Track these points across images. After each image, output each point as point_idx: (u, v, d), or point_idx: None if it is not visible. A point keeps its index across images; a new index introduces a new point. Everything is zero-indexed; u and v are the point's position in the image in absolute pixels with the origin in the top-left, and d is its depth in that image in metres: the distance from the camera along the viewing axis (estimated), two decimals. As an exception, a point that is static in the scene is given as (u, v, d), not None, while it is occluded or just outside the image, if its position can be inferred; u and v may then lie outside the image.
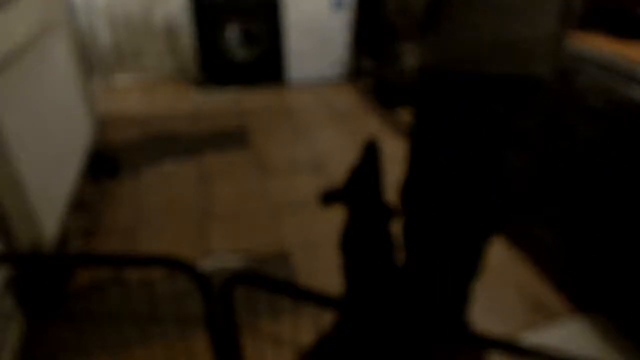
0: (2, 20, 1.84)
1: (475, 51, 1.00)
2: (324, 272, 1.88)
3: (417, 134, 1.22)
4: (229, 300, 0.89)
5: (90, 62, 3.71)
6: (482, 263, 1.43)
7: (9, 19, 1.91)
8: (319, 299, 0.84)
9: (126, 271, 1.84)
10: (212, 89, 3.79)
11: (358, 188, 1.32)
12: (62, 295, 1.71)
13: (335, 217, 2.21)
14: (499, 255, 1.97)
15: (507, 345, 0.71)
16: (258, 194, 2.41)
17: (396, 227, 1.38)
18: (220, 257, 1.98)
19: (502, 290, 1.79)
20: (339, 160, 2.73)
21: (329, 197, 1.39)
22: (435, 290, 1.42)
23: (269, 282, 0.86)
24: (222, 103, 3.57)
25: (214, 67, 3.72)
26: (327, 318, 1.59)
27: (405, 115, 3.10)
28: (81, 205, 2.29)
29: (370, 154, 1.28)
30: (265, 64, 3.74)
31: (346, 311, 1.34)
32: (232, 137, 3.02)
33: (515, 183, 2.09)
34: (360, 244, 1.39)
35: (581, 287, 1.76)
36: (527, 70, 1.03)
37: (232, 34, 3.64)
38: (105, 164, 2.56)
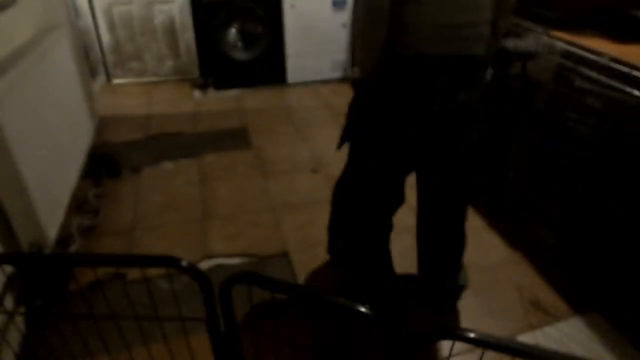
0: (4, 21, 1.84)
1: (430, 36, 1.22)
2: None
3: (379, 105, 1.38)
4: (228, 299, 0.90)
5: (91, 62, 3.72)
6: (461, 233, 1.61)
7: (11, 19, 1.92)
8: (318, 299, 0.84)
9: (126, 271, 1.85)
10: (212, 89, 3.79)
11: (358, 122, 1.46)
12: (62, 295, 1.72)
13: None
14: (499, 255, 1.97)
15: (505, 346, 0.71)
16: (258, 194, 2.42)
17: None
18: (220, 256, 1.98)
19: (501, 290, 1.79)
20: (338, 160, 2.73)
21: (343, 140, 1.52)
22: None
23: (269, 282, 0.86)
24: (223, 103, 3.58)
25: (214, 67, 3.72)
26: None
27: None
28: (82, 205, 2.29)
29: (367, 95, 1.40)
30: (265, 64, 3.74)
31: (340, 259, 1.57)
32: (232, 137, 3.03)
33: (515, 183, 2.10)
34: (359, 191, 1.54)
35: (580, 288, 1.76)
36: (469, 51, 1.26)
37: (232, 34, 3.65)
38: (106, 164, 2.56)
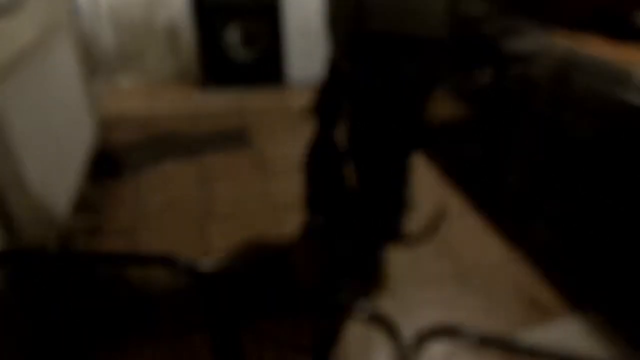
0: (8, 24, 1.85)
1: (382, 15, 1.38)
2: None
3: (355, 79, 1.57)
4: (229, 300, 0.90)
5: (93, 63, 3.72)
6: (409, 174, 1.76)
7: (15, 22, 1.93)
8: (318, 299, 0.85)
9: (127, 270, 1.85)
10: (213, 90, 3.80)
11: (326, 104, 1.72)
12: (63, 293, 1.72)
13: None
14: (498, 255, 1.98)
15: (504, 344, 0.72)
16: (258, 194, 2.42)
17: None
18: (220, 257, 1.98)
19: (500, 289, 1.80)
20: (339, 160, 2.73)
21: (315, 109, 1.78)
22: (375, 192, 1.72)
23: (268, 282, 0.87)
24: (223, 103, 3.58)
25: (214, 67, 3.73)
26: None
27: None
28: (83, 204, 2.30)
29: (335, 71, 1.64)
30: (265, 64, 3.75)
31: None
32: (232, 137, 3.03)
33: (515, 183, 2.10)
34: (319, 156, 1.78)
35: (580, 287, 1.77)
36: (423, 32, 1.40)
37: (233, 34, 3.65)
38: (108, 164, 2.57)
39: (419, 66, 1.46)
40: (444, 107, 2.98)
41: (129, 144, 2.93)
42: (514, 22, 2.02)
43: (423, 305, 1.74)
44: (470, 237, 2.09)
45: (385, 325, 0.79)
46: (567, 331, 1.61)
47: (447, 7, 1.39)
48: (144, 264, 0.98)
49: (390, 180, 1.71)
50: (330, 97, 1.69)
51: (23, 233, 1.69)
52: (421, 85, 1.53)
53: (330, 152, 1.76)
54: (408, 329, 1.61)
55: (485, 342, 0.73)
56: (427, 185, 2.48)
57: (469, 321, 1.66)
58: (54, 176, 1.94)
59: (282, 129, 3.14)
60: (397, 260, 1.95)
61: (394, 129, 1.61)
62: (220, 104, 3.58)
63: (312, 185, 1.82)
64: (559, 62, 1.72)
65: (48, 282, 1.68)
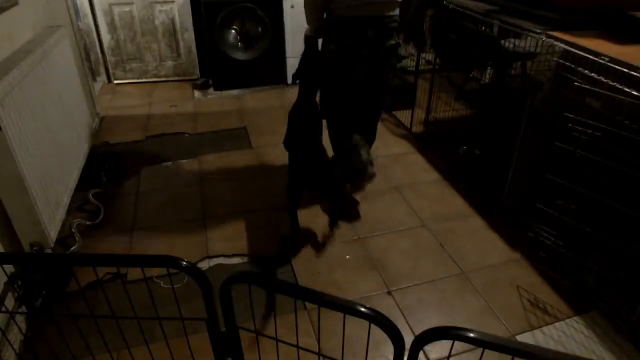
0: (5, 21, 1.85)
1: (347, 4, 1.85)
2: (324, 271, 1.89)
3: (326, 53, 2.06)
4: (228, 299, 0.90)
5: (92, 62, 3.72)
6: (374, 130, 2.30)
7: (13, 20, 1.92)
8: (318, 299, 0.85)
9: (126, 271, 1.85)
10: (212, 89, 3.80)
11: (306, 70, 2.18)
12: (62, 295, 1.72)
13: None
14: (499, 255, 1.98)
15: (505, 346, 0.72)
16: (258, 194, 2.42)
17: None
18: (220, 256, 1.98)
19: (501, 290, 1.79)
20: (339, 160, 2.73)
21: (294, 77, 2.24)
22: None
23: (269, 281, 0.86)
24: (223, 103, 3.58)
25: (214, 67, 3.73)
26: (326, 317, 1.60)
27: (402, 116, 3.10)
28: (82, 205, 2.29)
29: (312, 47, 2.16)
30: (265, 64, 3.75)
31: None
32: (232, 137, 3.03)
33: (515, 183, 2.10)
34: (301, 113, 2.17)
35: (580, 288, 1.76)
36: (381, 13, 1.88)
37: (232, 34, 3.65)
38: (107, 163, 2.57)
39: (371, 38, 1.89)
40: (444, 107, 2.98)
41: (128, 144, 2.93)
42: (514, 22, 2.02)
43: (423, 306, 1.74)
44: (471, 237, 2.09)
45: (385, 326, 0.78)
46: (568, 332, 1.61)
47: None
48: (144, 265, 0.98)
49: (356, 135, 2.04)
50: (309, 68, 2.14)
51: (22, 234, 1.69)
52: (376, 54, 1.94)
53: (310, 110, 2.15)
54: (408, 330, 1.61)
55: (486, 343, 0.73)
56: (427, 185, 2.48)
57: (469, 322, 1.66)
58: (53, 176, 1.93)
59: (282, 129, 3.13)
60: (398, 261, 1.95)
61: (356, 92, 2.03)
62: (220, 103, 3.58)
63: (293, 134, 2.18)
64: (559, 61, 1.72)
65: (47, 283, 1.68)
